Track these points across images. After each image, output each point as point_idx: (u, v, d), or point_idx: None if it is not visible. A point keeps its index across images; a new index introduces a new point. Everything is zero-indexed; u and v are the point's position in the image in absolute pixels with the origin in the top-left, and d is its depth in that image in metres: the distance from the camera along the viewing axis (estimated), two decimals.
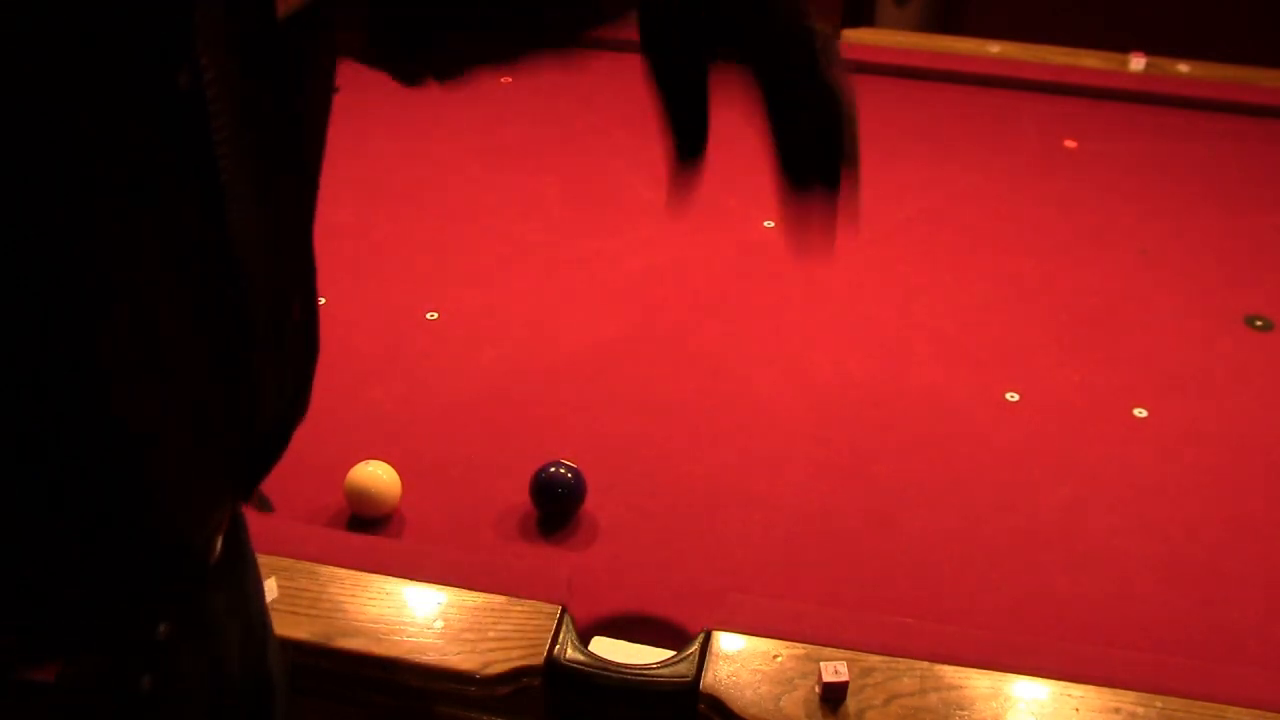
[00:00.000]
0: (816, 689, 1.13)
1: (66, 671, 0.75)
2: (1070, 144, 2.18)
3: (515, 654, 1.16)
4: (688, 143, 0.94)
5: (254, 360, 0.79)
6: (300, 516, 1.36)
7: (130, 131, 0.63)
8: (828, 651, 1.17)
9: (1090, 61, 2.36)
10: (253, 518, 1.32)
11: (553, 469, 1.38)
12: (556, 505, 1.38)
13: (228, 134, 0.68)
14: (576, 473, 1.38)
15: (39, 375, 0.66)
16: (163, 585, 0.80)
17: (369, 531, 1.36)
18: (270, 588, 1.21)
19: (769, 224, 1.94)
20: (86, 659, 0.76)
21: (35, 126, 0.60)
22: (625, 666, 1.16)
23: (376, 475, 1.37)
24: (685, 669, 1.16)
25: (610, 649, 1.20)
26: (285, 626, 1.18)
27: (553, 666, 1.16)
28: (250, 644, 0.95)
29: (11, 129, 0.59)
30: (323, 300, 1.80)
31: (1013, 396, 1.61)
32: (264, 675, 0.98)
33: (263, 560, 1.24)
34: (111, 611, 0.77)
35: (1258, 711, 1.13)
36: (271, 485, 1.39)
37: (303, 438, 1.44)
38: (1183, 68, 2.34)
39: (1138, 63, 2.34)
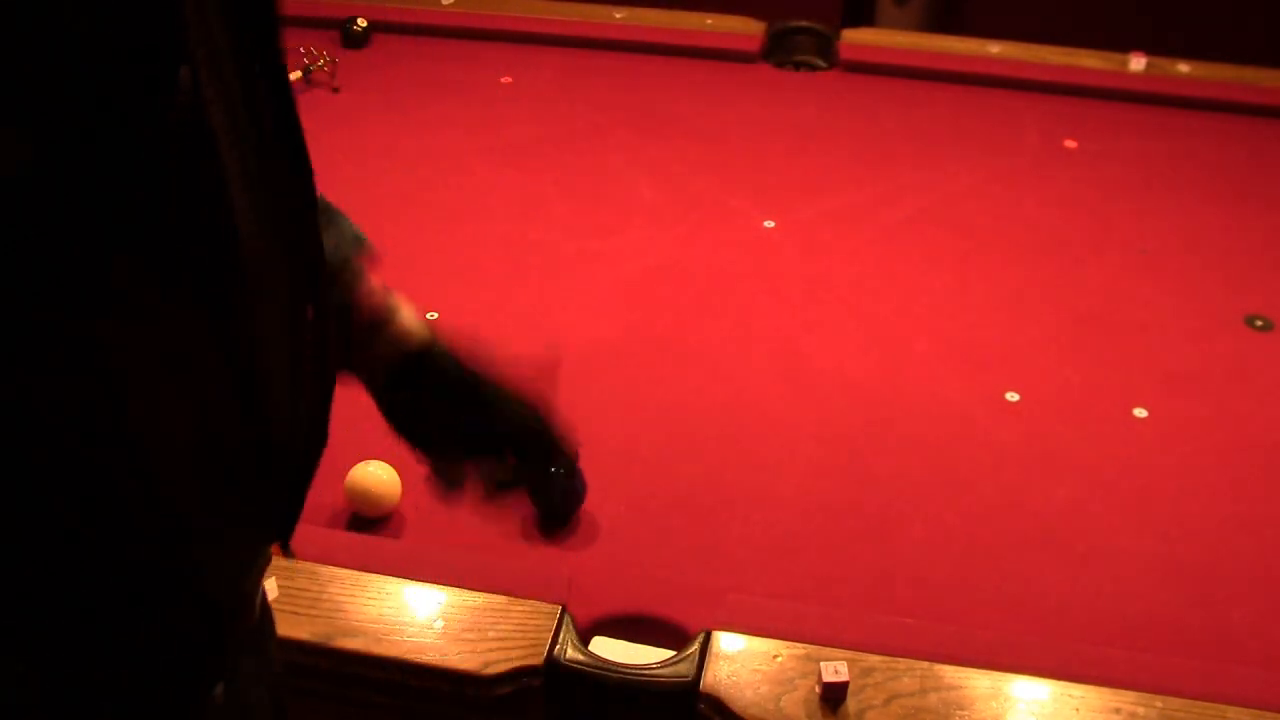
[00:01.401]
0: (816, 689, 1.13)
1: None
2: (1070, 144, 2.18)
3: (515, 654, 1.16)
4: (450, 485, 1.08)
5: (269, 371, 0.77)
6: (301, 516, 1.36)
7: (135, 135, 0.63)
8: (828, 651, 1.17)
9: (1090, 61, 2.36)
10: None
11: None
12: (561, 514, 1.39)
13: (226, 128, 0.68)
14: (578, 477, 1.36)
15: (70, 436, 0.66)
16: (210, 643, 0.79)
17: (369, 531, 1.36)
18: (270, 588, 1.21)
19: (769, 224, 1.94)
20: None
21: (44, 135, 0.60)
22: (625, 666, 1.16)
23: (376, 475, 1.37)
24: (685, 669, 1.16)
25: (610, 649, 1.20)
26: (285, 626, 1.18)
27: (553, 666, 1.16)
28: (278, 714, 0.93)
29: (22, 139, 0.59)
30: None
31: (1013, 396, 1.61)
32: None
33: None
34: (166, 675, 0.76)
35: (1258, 711, 1.14)
36: None
37: None
38: (1183, 68, 2.34)
39: (1138, 63, 2.34)
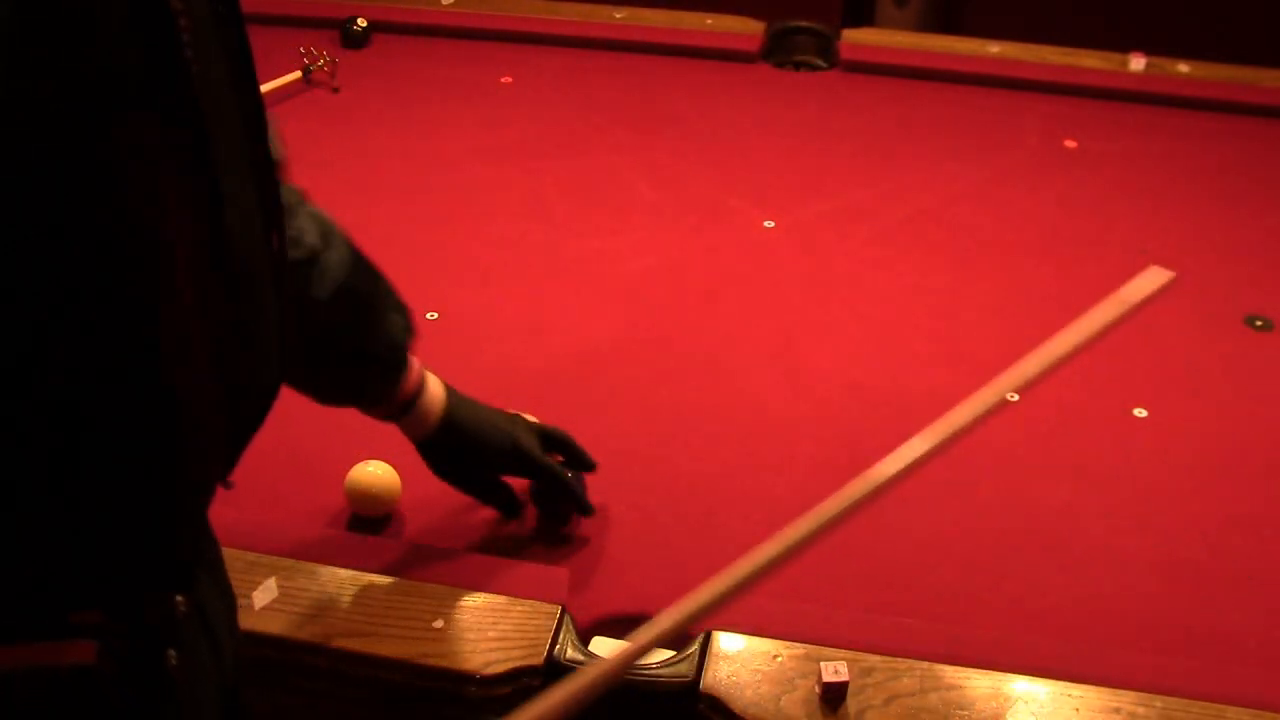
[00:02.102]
0: (816, 689, 1.13)
1: (105, 655, 0.79)
2: (1070, 144, 2.18)
3: (515, 654, 1.16)
4: (505, 510, 1.37)
5: (249, 293, 0.84)
6: (300, 516, 1.36)
7: (122, 64, 0.68)
8: (828, 651, 1.17)
9: (1090, 61, 2.36)
10: (254, 516, 1.33)
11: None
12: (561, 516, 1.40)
13: (200, 59, 0.74)
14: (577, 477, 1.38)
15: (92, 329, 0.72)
16: (181, 536, 0.86)
17: (369, 532, 1.36)
18: (270, 588, 1.22)
19: (769, 224, 1.94)
20: (120, 636, 0.81)
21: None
22: None
23: (376, 475, 1.37)
24: (685, 669, 1.16)
25: (610, 649, 1.20)
26: (285, 626, 1.18)
27: (553, 666, 1.16)
28: (233, 625, 1.00)
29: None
30: None
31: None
32: (240, 671, 1.02)
33: (263, 560, 1.25)
34: (145, 556, 0.82)
35: (1258, 711, 1.14)
36: (272, 484, 1.39)
37: (303, 438, 1.44)
38: (1183, 68, 2.34)
39: (1138, 63, 2.34)
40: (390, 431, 1.47)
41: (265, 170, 0.88)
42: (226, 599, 1.00)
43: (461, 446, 1.30)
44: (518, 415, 1.36)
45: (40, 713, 0.79)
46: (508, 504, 1.35)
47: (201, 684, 0.90)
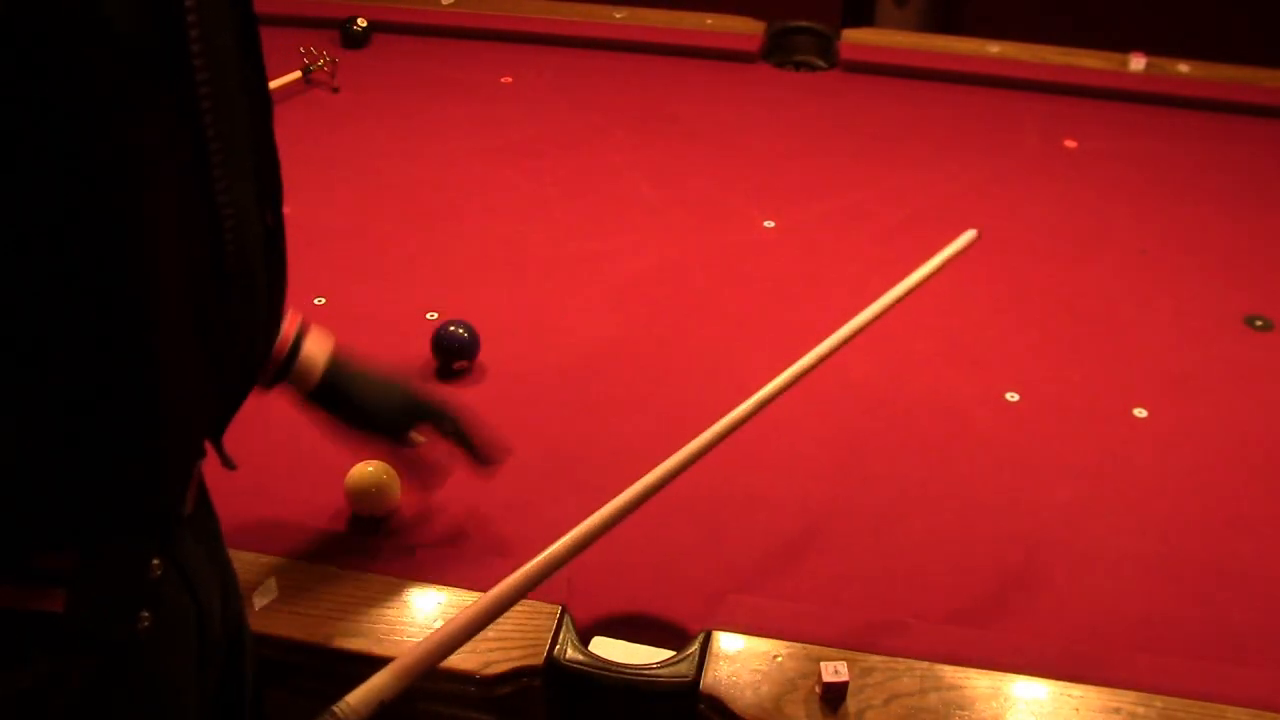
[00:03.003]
0: (816, 689, 1.13)
1: (75, 604, 0.81)
2: (1070, 144, 2.18)
3: (515, 654, 1.16)
4: (419, 476, 1.35)
5: (239, 265, 0.86)
6: (300, 516, 1.36)
7: (122, 44, 0.70)
8: (828, 651, 1.17)
9: (1090, 61, 2.36)
10: (254, 517, 1.33)
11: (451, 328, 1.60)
12: (454, 358, 1.59)
13: (201, 38, 0.75)
14: (470, 330, 1.59)
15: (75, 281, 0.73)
16: (159, 491, 0.87)
17: (369, 532, 1.35)
18: (270, 588, 1.22)
19: (769, 224, 1.94)
20: (90, 586, 0.82)
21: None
22: (625, 666, 1.16)
23: (377, 475, 1.37)
24: (685, 669, 1.16)
25: (610, 649, 1.20)
26: (285, 626, 1.18)
27: (553, 666, 1.16)
28: (229, 602, 1.01)
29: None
30: (322, 300, 1.82)
31: (1013, 396, 1.61)
32: (240, 634, 1.04)
33: (263, 560, 1.25)
34: (120, 506, 0.83)
35: (1258, 711, 1.14)
36: (274, 484, 1.39)
37: (303, 437, 1.44)
38: (1183, 68, 2.34)
39: (1138, 63, 2.34)
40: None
41: (266, 148, 0.89)
42: (222, 574, 1.00)
43: (346, 402, 1.25)
44: (409, 383, 1.33)
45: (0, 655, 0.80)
46: (417, 467, 1.33)
47: (178, 655, 0.91)
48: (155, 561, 0.87)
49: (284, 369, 1.18)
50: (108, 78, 0.69)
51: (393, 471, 1.38)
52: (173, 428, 0.84)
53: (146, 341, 0.78)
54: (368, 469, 1.37)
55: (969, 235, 1.39)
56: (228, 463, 1.01)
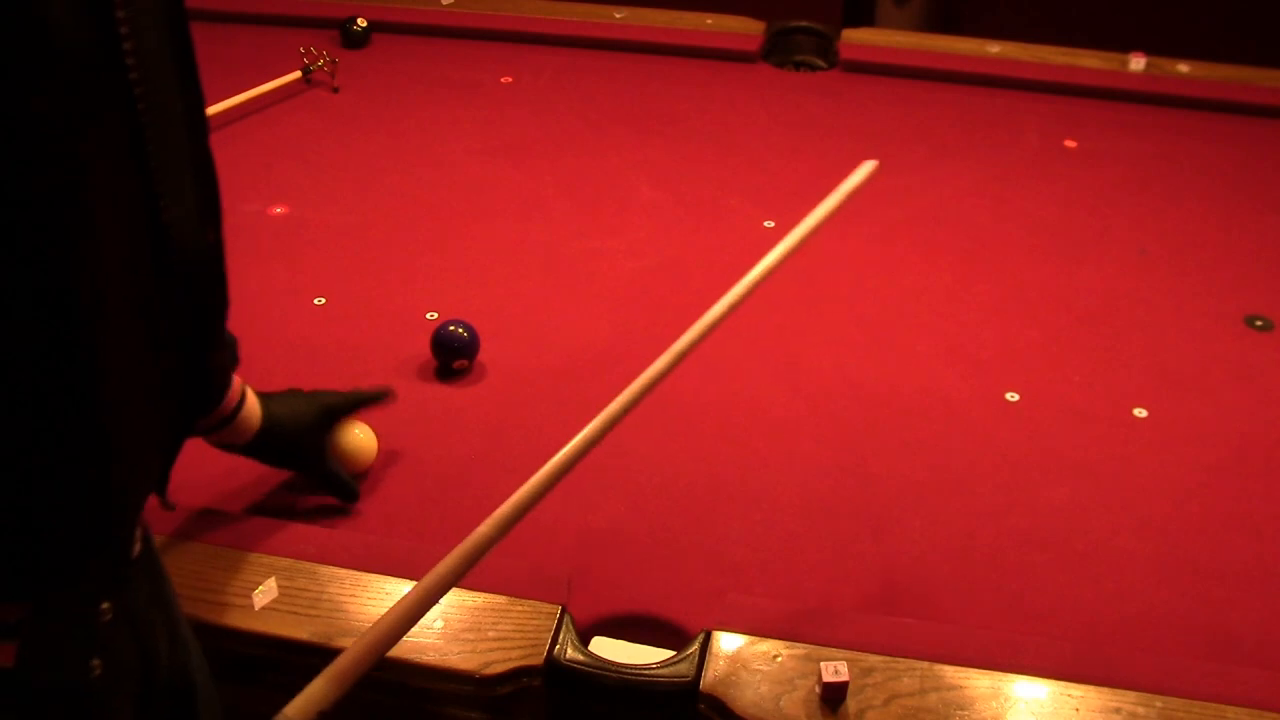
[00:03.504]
0: (816, 689, 1.13)
1: (25, 658, 0.78)
2: (1070, 144, 2.18)
3: (515, 654, 1.16)
4: (340, 497, 1.39)
5: (186, 285, 0.85)
6: (300, 516, 1.36)
7: (67, 69, 0.68)
8: (828, 651, 1.17)
9: (1090, 61, 2.36)
10: (254, 517, 1.33)
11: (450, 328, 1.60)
12: (454, 358, 1.60)
13: (140, 51, 0.75)
14: (470, 330, 1.60)
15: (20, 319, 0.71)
16: (110, 535, 0.84)
17: (368, 532, 1.35)
18: (270, 588, 1.22)
19: (769, 224, 1.94)
20: (43, 637, 0.79)
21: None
22: (625, 666, 1.16)
23: (354, 434, 1.39)
24: (685, 669, 1.16)
25: (610, 649, 1.20)
26: (285, 626, 1.18)
27: (553, 666, 1.16)
28: (176, 648, 0.99)
29: None
30: (322, 300, 1.82)
31: (1013, 396, 1.61)
32: (188, 678, 1.01)
33: (263, 560, 1.25)
34: (70, 550, 0.81)
35: (1258, 711, 1.14)
36: (273, 484, 1.39)
37: None
38: (1183, 68, 2.34)
39: (1138, 63, 2.34)
40: (390, 431, 1.48)
41: (205, 168, 0.88)
42: (167, 614, 0.98)
43: (279, 452, 1.32)
44: (328, 413, 1.37)
45: None
46: (340, 490, 1.37)
47: (126, 701, 0.88)
48: (105, 605, 0.84)
49: (229, 418, 1.21)
50: (50, 93, 0.68)
51: (369, 431, 1.41)
52: (123, 459, 0.82)
53: (95, 366, 0.76)
54: (350, 429, 1.39)
55: (869, 166, 1.42)
56: (166, 504, 1.01)
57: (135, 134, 0.76)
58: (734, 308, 1.24)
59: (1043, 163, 2.13)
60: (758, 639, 1.19)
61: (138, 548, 0.91)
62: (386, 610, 0.95)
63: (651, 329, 1.73)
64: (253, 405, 1.25)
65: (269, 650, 1.18)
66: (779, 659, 1.17)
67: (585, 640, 1.20)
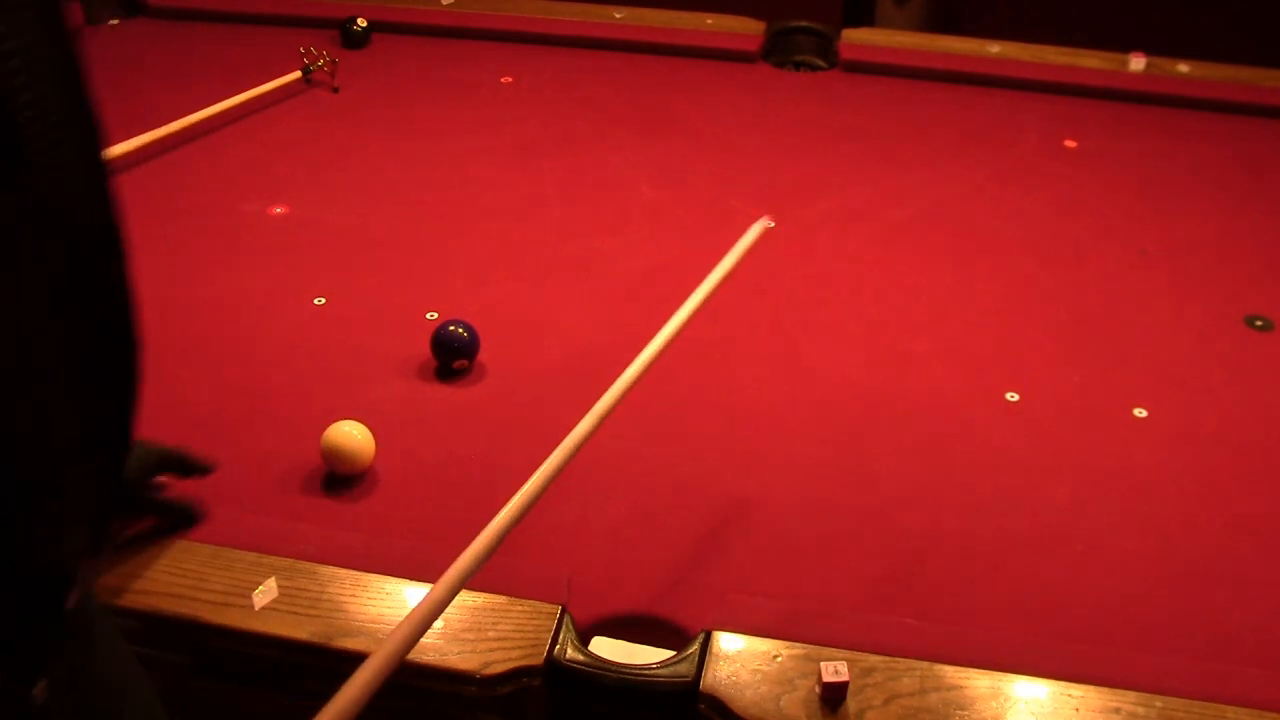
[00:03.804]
0: (816, 689, 1.13)
1: None
2: (1070, 144, 2.18)
3: (515, 654, 1.16)
4: (173, 522, 1.31)
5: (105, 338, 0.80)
6: (300, 516, 1.36)
7: None
8: (828, 651, 1.17)
9: (1090, 61, 2.36)
10: (254, 516, 1.32)
11: (450, 328, 1.60)
12: (454, 358, 1.59)
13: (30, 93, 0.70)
14: (470, 330, 1.60)
15: None
16: (43, 614, 0.78)
17: (368, 532, 1.35)
18: (270, 588, 1.22)
19: (769, 223, 1.94)
20: None
21: None
22: (625, 666, 1.16)
23: (350, 433, 1.39)
24: (685, 669, 1.16)
25: (610, 649, 1.20)
26: (285, 626, 1.18)
27: (553, 666, 1.16)
28: (128, 695, 0.94)
29: None
30: (322, 300, 1.82)
31: (1013, 396, 1.61)
32: None
33: (263, 560, 1.25)
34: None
35: (1257, 711, 1.14)
36: (273, 485, 1.39)
37: (304, 438, 1.44)
38: (1183, 68, 2.34)
39: (1138, 63, 2.34)
40: (390, 431, 1.48)
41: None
42: (121, 667, 0.92)
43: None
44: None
45: None
46: (169, 516, 1.29)
47: None
48: (39, 686, 0.78)
49: None
50: None
51: (367, 432, 1.41)
52: (43, 549, 0.76)
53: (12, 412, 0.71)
54: (342, 428, 1.39)
55: (760, 224, 1.45)
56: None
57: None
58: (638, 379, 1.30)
59: (1043, 163, 2.13)
60: (758, 639, 1.19)
61: (73, 602, 0.82)
62: (377, 649, 0.92)
63: (652, 329, 1.73)
64: None
65: (269, 650, 1.18)
66: (779, 659, 1.17)
67: (585, 640, 1.20)
